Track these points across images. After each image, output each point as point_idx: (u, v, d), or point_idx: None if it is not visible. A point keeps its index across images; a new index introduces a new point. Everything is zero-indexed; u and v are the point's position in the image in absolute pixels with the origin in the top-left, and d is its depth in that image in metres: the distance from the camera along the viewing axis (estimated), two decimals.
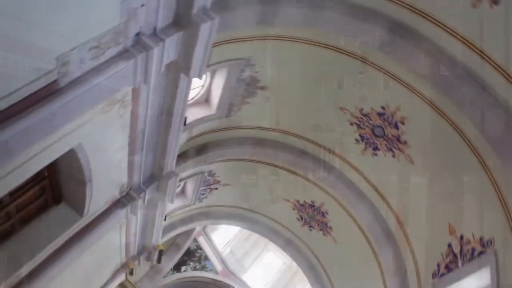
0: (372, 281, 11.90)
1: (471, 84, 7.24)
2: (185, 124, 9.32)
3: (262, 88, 9.69)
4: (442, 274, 9.14)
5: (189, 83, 7.85)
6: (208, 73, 9.34)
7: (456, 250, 8.85)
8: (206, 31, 6.39)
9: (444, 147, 8.58)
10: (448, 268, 9.03)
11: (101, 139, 7.33)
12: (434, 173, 9.12)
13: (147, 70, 6.26)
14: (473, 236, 8.42)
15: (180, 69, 7.11)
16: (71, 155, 6.98)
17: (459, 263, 8.72)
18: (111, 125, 7.25)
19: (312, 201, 12.83)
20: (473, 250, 8.39)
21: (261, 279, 23.30)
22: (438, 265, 9.36)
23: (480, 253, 8.18)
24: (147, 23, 5.85)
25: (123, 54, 5.84)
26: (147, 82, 6.56)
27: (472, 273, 8.35)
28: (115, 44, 5.57)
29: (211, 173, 12.86)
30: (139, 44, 5.91)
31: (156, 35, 6.07)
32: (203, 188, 13.44)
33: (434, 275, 9.43)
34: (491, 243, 7.94)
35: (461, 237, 8.73)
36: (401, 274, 10.46)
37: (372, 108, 9.21)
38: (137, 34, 5.83)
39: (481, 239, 8.24)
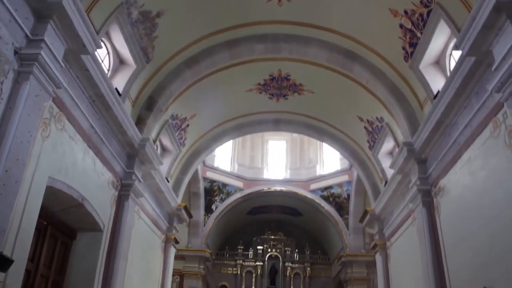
0: (364, 100, 12.25)
1: None
2: (119, 94, 9.14)
3: (158, 15, 9.31)
4: (411, 53, 9.42)
5: (95, 59, 7.59)
6: (104, 39, 8.94)
7: (409, 25, 9.04)
8: (70, 4, 6.06)
9: None
10: (413, 44, 9.28)
11: (63, 159, 7.23)
12: None
13: (50, 75, 6.01)
14: (413, 3, 8.56)
15: (76, 52, 6.85)
16: (51, 192, 6.93)
17: (418, 33, 8.95)
18: (61, 143, 7.12)
19: (270, 75, 12.82)
20: (421, 15, 8.58)
21: (279, 166, 24.04)
22: (404, 48, 9.62)
23: (428, 13, 8.38)
24: (15, 37, 5.53)
25: (19, 78, 5.59)
26: (59, 85, 6.33)
27: (433, 32, 8.63)
28: (4, 75, 5.30)
29: (173, 117, 12.76)
30: (25, 59, 5.63)
31: (32, 40, 5.77)
32: (177, 133, 13.40)
33: (406, 59, 9.72)
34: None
35: (405, 12, 8.87)
36: (380, 77, 10.75)
37: None
38: (16, 52, 5.52)
39: (421, 2, 8.40)
